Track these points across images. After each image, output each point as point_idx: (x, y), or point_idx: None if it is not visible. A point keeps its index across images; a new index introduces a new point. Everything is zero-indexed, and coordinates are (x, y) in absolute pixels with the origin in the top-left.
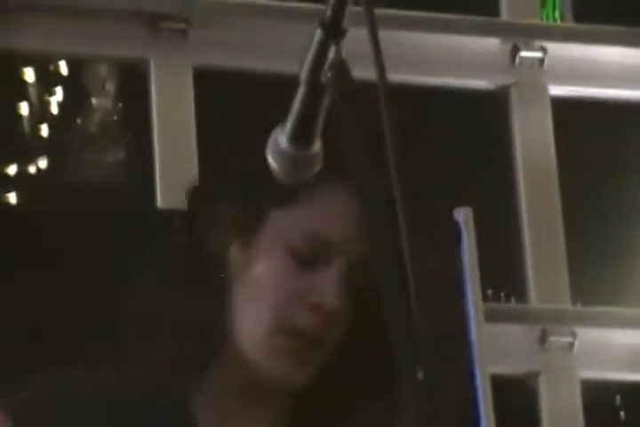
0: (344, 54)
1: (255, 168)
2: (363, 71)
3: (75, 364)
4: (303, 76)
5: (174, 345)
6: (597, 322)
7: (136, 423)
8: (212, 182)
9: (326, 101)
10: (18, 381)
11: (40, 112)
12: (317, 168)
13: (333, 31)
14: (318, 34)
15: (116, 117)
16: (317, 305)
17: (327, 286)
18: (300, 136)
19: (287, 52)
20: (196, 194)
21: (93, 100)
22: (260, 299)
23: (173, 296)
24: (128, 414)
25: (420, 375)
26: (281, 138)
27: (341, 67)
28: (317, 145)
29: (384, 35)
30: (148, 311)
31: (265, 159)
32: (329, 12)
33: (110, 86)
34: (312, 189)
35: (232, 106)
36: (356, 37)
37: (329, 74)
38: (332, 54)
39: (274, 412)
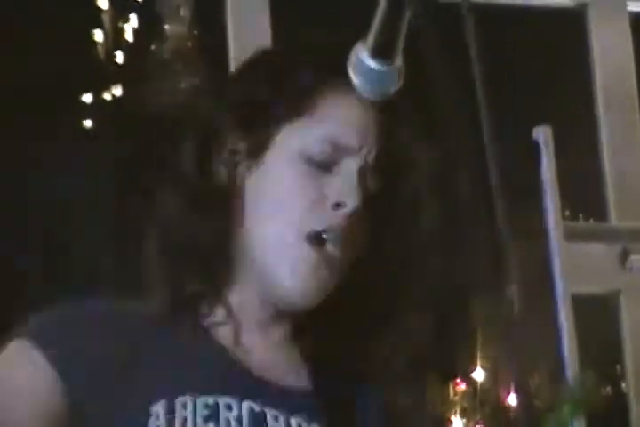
0: None
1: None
2: None
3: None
4: None
5: (194, 269)
6: None
7: (164, 347)
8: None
9: (408, 16)
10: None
11: (115, 39)
12: (399, 83)
13: None
14: None
15: (190, 44)
16: (338, 204)
17: (346, 186)
18: (382, 51)
19: None
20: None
21: (168, 27)
22: (282, 208)
23: (191, 222)
24: (154, 338)
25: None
26: (362, 52)
27: None
28: (399, 60)
29: None
30: (166, 239)
31: (270, 80)
32: None
33: (185, 12)
34: (325, 98)
35: (307, 27)
36: None
37: None
38: None
39: (290, 331)
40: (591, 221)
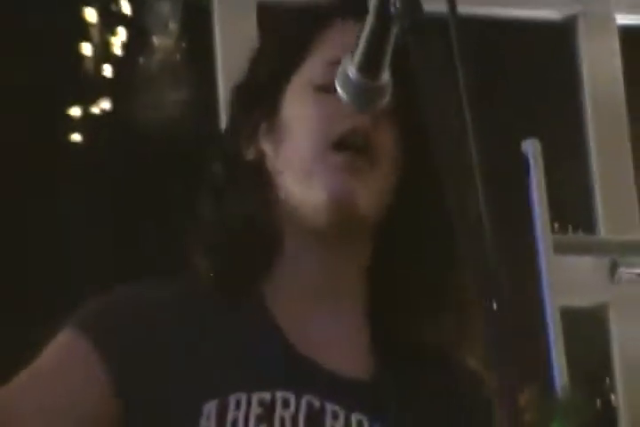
0: None
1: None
2: (431, 3)
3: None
4: (372, 7)
5: (238, 249)
6: None
7: (220, 334)
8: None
9: (394, 32)
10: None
11: (103, 52)
12: (386, 97)
13: None
14: None
15: (179, 57)
16: (357, 111)
17: None
18: (369, 66)
19: None
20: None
21: (156, 40)
22: (304, 132)
23: (226, 204)
24: (209, 317)
25: (495, 305)
26: (350, 68)
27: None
28: (386, 75)
29: None
30: (208, 224)
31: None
32: None
33: (173, 25)
34: (323, 34)
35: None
36: None
37: (397, 4)
38: None
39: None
40: (580, 232)
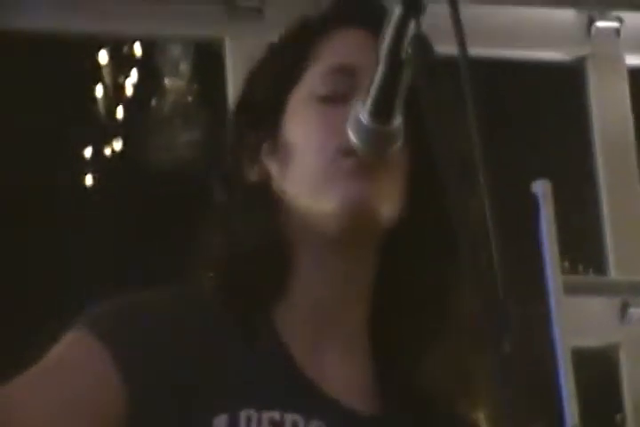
0: (424, 29)
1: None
2: (441, 46)
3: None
4: (383, 52)
5: (253, 266)
6: None
7: (233, 348)
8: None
9: (406, 77)
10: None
11: (115, 94)
12: (399, 142)
13: (413, 6)
14: (398, 9)
15: (190, 98)
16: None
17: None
18: (381, 111)
19: None
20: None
21: (168, 82)
22: (309, 144)
23: (240, 226)
24: (222, 332)
25: (507, 348)
26: (362, 113)
27: (421, 42)
28: (398, 120)
29: (460, 8)
30: (222, 241)
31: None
32: None
33: (185, 67)
34: (319, 45)
35: None
36: (435, 12)
37: (409, 49)
38: (412, 30)
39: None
40: (590, 272)
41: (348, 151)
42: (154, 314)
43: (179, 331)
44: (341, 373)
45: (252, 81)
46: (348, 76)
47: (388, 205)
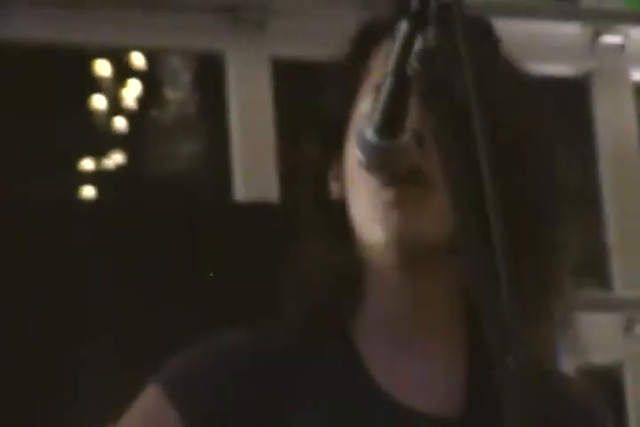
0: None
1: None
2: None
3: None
4: (390, 68)
5: (327, 293)
6: None
7: (307, 386)
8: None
9: (413, 93)
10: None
11: (115, 106)
12: (406, 159)
13: (420, 22)
14: (405, 25)
15: (191, 110)
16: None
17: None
18: (388, 128)
19: None
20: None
21: (168, 93)
22: (358, 180)
23: (315, 252)
24: (295, 370)
25: (511, 363)
26: (368, 130)
27: (428, 57)
28: (405, 136)
29: None
30: (298, 268)
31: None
32: (415, 3)
33: (185, 78)
34: (373, 58)
35: (311, 97)
36: None
37: (415, 65)
38: (418, 45)
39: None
40: (595, 289)
41: (387, 182)
42: (231, 367)
43: (254, 384)
44: (424, 383)
45: (324, 95)
46: None
47: (435, 227)
